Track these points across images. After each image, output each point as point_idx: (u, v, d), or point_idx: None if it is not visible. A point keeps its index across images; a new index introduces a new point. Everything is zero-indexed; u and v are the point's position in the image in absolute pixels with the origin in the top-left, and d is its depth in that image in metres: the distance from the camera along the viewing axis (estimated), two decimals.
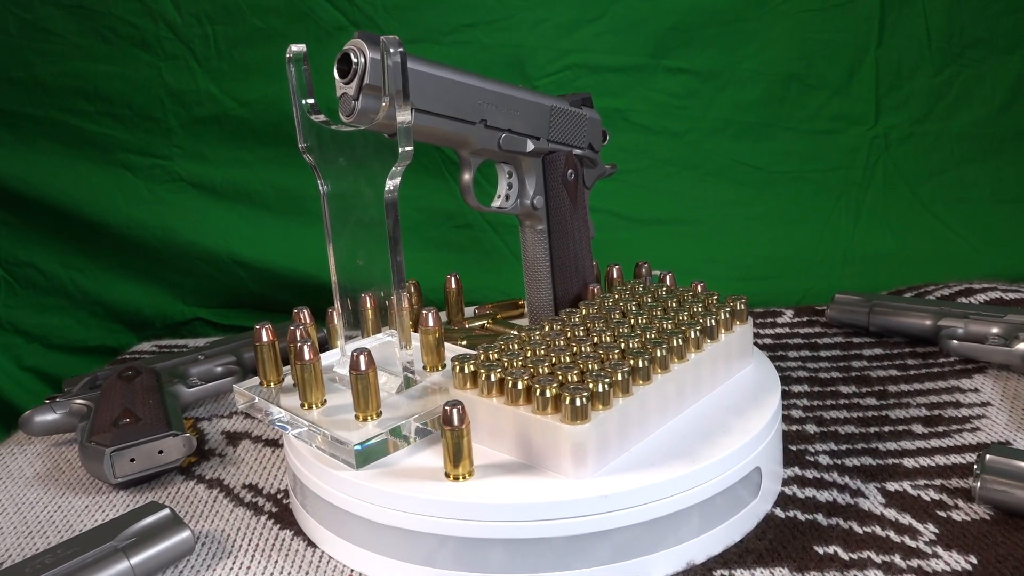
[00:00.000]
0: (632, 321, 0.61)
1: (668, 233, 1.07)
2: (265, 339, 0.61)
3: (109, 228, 1.09)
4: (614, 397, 0.52)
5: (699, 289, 0.67)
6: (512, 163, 0.70)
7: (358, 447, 0.52)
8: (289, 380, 0.62)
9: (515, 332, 0.71)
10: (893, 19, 1.04)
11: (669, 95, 1.06)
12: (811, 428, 0.68)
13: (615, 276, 0.80)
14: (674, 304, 0.64)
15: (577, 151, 0.73)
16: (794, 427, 0.69)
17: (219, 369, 0.79)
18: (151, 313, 1.13)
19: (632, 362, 0.54)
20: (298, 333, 0.62)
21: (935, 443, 0.65)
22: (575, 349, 0.57)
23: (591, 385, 0.51)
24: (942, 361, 0.79)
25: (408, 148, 0.54)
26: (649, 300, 0.65)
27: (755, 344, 0.67)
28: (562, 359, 0.56)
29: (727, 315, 0.62)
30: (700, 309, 0.62)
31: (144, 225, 1.09)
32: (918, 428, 0.68)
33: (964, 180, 1.06)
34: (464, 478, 0.52)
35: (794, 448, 0.65)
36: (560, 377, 0.52)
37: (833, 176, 1.07)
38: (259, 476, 0.67)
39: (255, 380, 0.62)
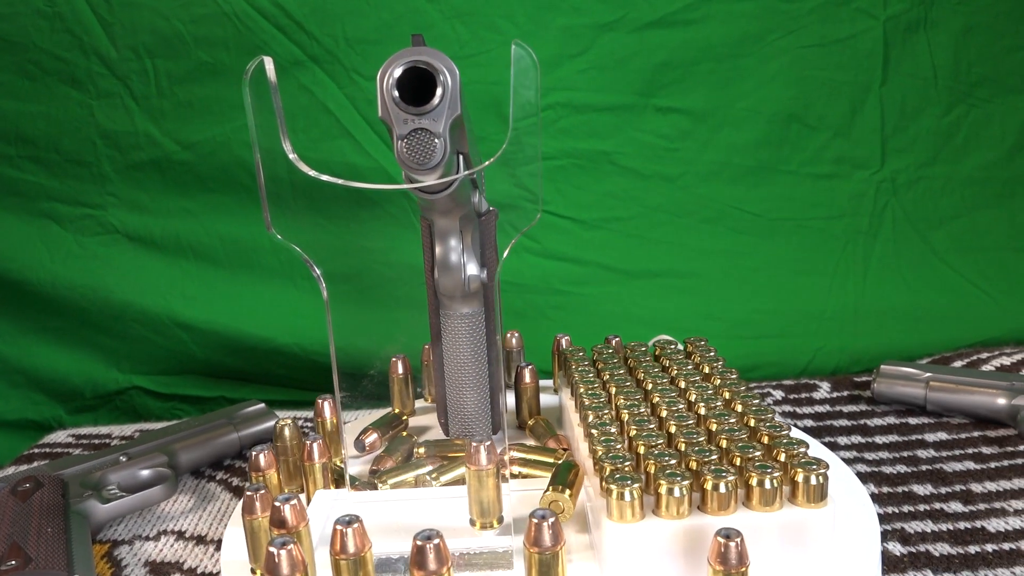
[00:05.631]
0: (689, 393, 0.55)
1: (662, 287, 0.98)
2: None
3: (31, 286, 0.96)
4: None
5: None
6: (464, 228, 0.56)
7: None
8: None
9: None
10: (896, 55, 0.97)
11: (660, 136, 0.97)
12: (896, 548, 0.55)
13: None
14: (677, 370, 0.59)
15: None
16: None
17: (145, 473, 0.63)
18: (80, 382, 1.00)
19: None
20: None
21: None
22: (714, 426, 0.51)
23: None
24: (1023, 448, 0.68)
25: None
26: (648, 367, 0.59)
27: (795, 425, 0.57)
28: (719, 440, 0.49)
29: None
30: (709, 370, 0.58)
31: (72, 283, 0.96)
32: None
33: (977, 227, 0.99)
34: None
35: None
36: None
37: (838, 223, 0.99)
38: None
39: None
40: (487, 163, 0.47)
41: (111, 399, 1.01)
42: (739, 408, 0.54)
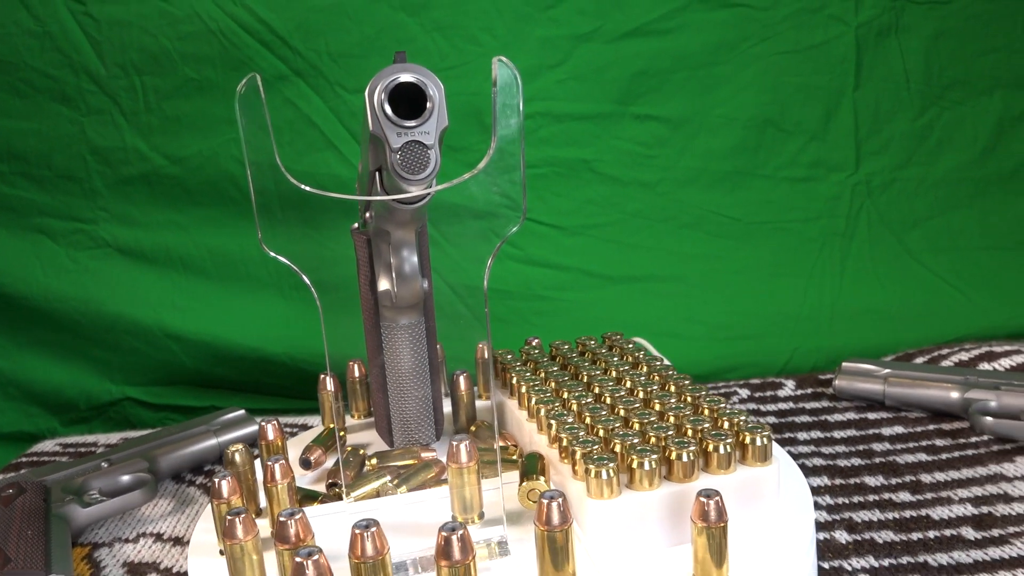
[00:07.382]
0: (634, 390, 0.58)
1: (642, 291, 1.00)
2: None
3: (25, 300, 0.98)
4: None
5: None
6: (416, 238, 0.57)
7: None
8: None
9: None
10: (869, 60, 0.99)
11: (638, 144, 0.99)
12: (842, 536, 0.57)
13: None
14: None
15: None
16: (822, 535, 0.58)
17: (125, 478, 0.65)
18: (74, 394, 1.02)
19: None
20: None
21: (994, 553, 0.54)
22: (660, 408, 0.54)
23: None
24: (975, 441, 0.69)
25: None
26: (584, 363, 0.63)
27: (759, 421, 0.59)
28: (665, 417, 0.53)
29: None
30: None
31: (65, 296, 0.98)
32: (969, 533, 0.57)
33: (951, 227, 1.01)
34: None
35: (827, 565, 0.55)
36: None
37: (814, 226, 1.01)
38: None
39: None
40: (470, 174, 0.48)
41: (104, 410, 1.02)
42: (673, 388, 0.58)
